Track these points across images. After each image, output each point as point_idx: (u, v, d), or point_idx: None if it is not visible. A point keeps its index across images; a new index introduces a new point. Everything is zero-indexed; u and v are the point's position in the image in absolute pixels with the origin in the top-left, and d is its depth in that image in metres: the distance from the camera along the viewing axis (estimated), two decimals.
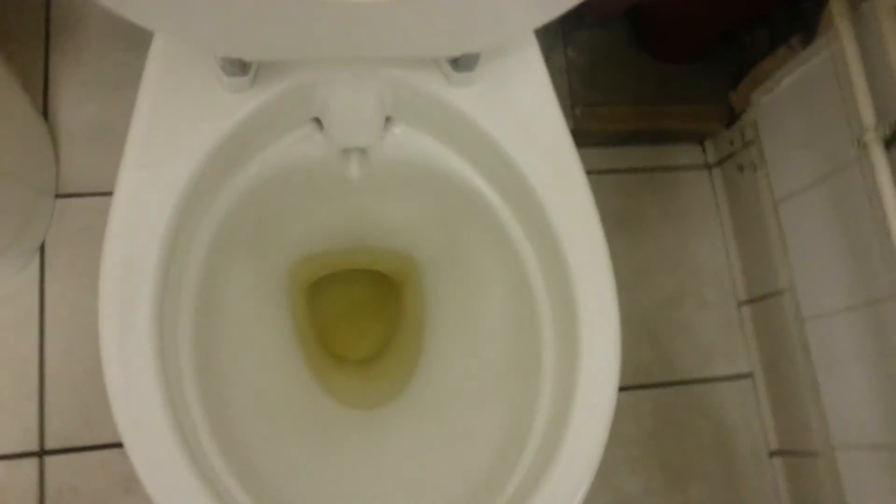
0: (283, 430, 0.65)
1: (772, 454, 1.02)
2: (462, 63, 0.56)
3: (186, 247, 0.59)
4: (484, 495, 0.57)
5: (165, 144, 0.55)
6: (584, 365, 0.56)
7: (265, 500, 0.55)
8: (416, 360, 0.75)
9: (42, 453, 0.90)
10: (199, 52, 0.57)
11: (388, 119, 0.64)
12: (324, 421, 0.71)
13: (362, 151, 0.66)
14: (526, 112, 0.59)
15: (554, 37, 1.03)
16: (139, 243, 0.53)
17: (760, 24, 1.01)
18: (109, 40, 1.03)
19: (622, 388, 1.01)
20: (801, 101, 0.91)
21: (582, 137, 1.05)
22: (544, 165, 0.58)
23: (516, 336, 0.66)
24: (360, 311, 0.79)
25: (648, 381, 1.04)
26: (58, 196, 0.97)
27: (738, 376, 1.06)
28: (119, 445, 0.90)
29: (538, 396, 0.60)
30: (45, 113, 1.00)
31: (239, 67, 0.54)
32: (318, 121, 0.63)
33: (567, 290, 0.58)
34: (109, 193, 0.96)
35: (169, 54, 0.57)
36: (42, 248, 0.96)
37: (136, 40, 1.04)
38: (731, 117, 1.06)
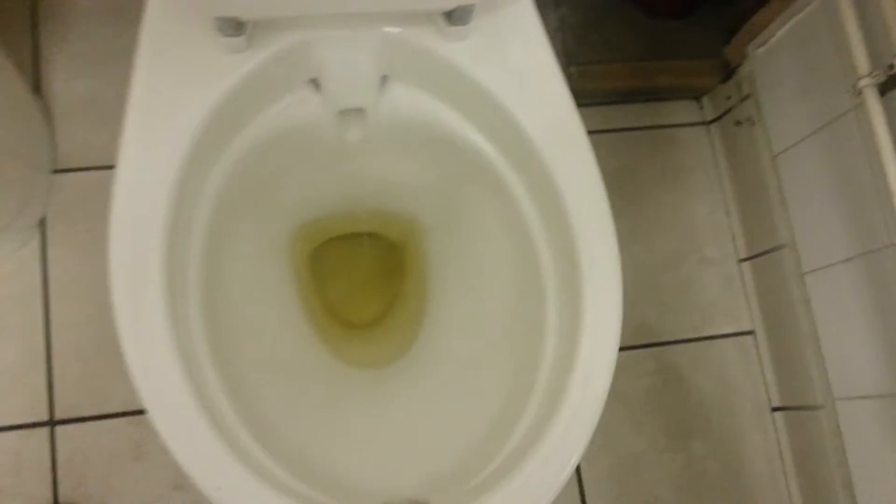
0: (292, 388, 0.66)
1: (774, 410, 1.03)
2: (456, 16, 0.56)
3: (190, 211, 0.59)
4: (491, 445, 0.58)
5: (165, 109, 0.55)
6: (587, 316, 0.57)
7: (278, 454, 0.56)
8: (421, 320, 0.75)
9: (52, 423, 0.91)
10: (193, 14, 0.56)
11: (384, 78, 0.64)
12: (331, 379, 0.72)
13: (360, 112, 0.66)
14: (521, 64, 0.59)
15: None
16: (145, 209, 0.54)
17: None
18: (98, 13, 1.03)
19: (624, 348, 1.03)
20: (796, 52, 0.90)
21: (578, 97, 1.04)
22: (542, 117, 0.59)
23: (519, 291, 0.67)
24: (363, 274, 0.79)
25: (650, 340, 1.05)
26: (55, 171, 0.97)
27: (740, 333, 1.06)
28: (127, 414, 0.92)
29: (542, 348, 0.61)
30: (38, 90, 0.99)
31: (234, 27, 0.54)
32: (314, 82, 0.63)
33: (569, 242, 0.58)
34: (107, 167, 0.98)
35: (163, 19, 0.57)
36: (42, 223, 0.96)
37: (125, 11, 1.03)
38: (727, 72, 1.05)
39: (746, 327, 1.07)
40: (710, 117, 1.13)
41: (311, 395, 0.68)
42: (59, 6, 1.02)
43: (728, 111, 1.07)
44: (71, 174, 0.98)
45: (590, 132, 1.15)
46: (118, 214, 0.54)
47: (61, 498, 0.90)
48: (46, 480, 0.90)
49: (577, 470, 0.99)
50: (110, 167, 0.99)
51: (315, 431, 0.64)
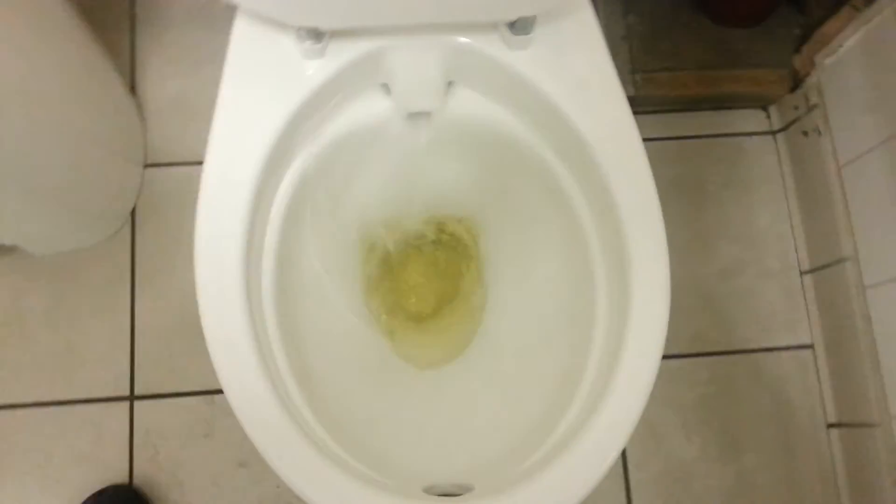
0: (351, 375, 0.70)
1: (829, 426, 1.01)
2: (519, 26, 0.59)
3: (269, 205, 0.64)
4: (536, 436, 0.61)
5: (250, 110, 0.61)
6: (634, 316, 0.58)
7: (335, 432, 0.60)
8: (476, 317, 0.78)
9: (132, 398, 0.99)
10: (278, 23, 0.61)
11: (450, 83, 0.67)
12: (388, 370, 0.76)
13: (426, 115, 0.70)
14: (581, 72, 0.62)
15: (614, 3, 1.04)
16: (228, 203, 0.59)
17: None
18: (190, 21, 1.11)
19: (679, 356, 1.03)
20: (865, 62, 0.89)
21: (643, 104, 1.06)
22: (600, 123, 0.61)
23: (572, 290, 0.69)
24: (423, 271, 0.82)
25: (706, 349, 1.04)
26: (146, 166, 1.05)
27: (799, 347, 1.05)
28: (200, 393, 0.99)
29: (590, 345, 0.63)
30: (133, 90, 1.08)
31: (314, 36, 0.59)
32: (385, 87, 0.68)
33: (620, 244, 0.60)
34: (192, 163, 1.06)
35: (251, 26, 0.62)
36: (133, 213, 1.04)
37: (214, 20, 1.11)
38: (795, 81, 1.04)
39: (806, 341, 1.05)
40: (776, 127, 1.11)
41: (368, 383, 0.72)
42: (155, 14, 1.10)
43: (795, 121, 1.06)
44: (160, 169, 1.06)
45: (654, 139, 1.17)
46: (205, 206, 0.59)
47: (136, 468, 0.97)
48: (124, 451, 0.97)
49: (625, 474, 1.00)
50: (196, 163, 1.08)
51: (369, 416, 0.68)
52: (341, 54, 0.62)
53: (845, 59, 0.93)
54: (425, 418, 0.70)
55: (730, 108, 1.12)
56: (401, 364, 0.77)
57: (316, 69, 0.62)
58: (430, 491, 0.59)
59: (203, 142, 1.06)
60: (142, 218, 1.04)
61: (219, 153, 0.60)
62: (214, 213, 0.59)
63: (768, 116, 1.13)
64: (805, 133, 1.04)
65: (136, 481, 0.96)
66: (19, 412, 0.97)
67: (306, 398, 0.61)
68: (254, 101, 0.61)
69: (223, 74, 0.61)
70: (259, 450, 0.56)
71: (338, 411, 0.64)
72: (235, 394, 0.56)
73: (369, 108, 0.69)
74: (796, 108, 1.05)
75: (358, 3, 0.54)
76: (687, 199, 1.09)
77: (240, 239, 0.58)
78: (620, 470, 1.00)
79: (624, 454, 1.00)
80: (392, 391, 0.74)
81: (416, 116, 0.71)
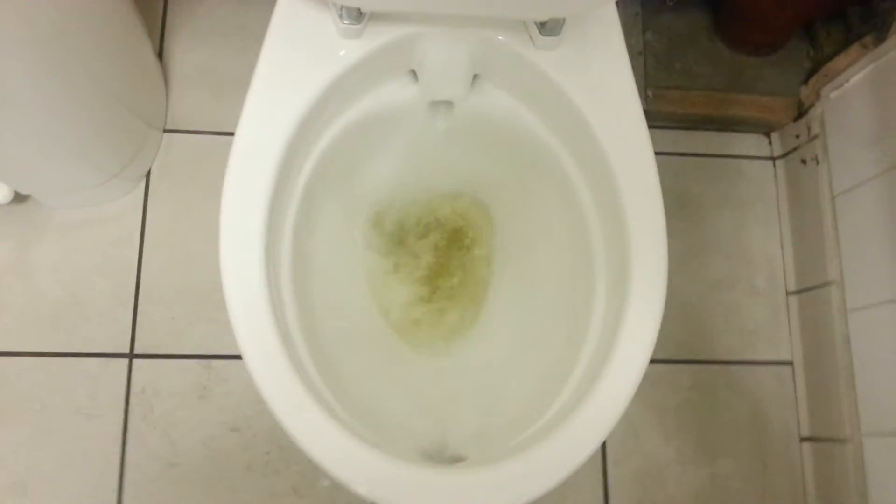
0: (359, 346, 0.73)
1: (802, 440, 1.06)
2: (549, 27, 0.63)
3: (294, 176, 0.67)
4: (530, 414, 0.64)
5: (285, 81, 0.64)
6: (630, 312, 0.62)
7: (339, 394, 0.63)
8: (482, 300, 0.81)
9: (131, 356, 1.01)
10: (321, 2, 0.64)
11: (475, 76, 0.71)
12: (390, 346, 0.79)
13: (449, 104, 0.73)
14: (602, 76, 0.65)
15: (634, 19, 1.08)
16: (258, 166, 0.61)
17: (836, 20, 1.04)
18: None
19: (664, 361, 1.07)
20: (868, 98, 0.93)
21: (652, 118, 1.08)
22: (614, 127, 0.64)
23: (573, 284, 0.73)
24: (431, 253, 0.85)
25: (690, 357, 1.08)
26: (165, 130, 1.08)
27: (779, 363, 1.09)
28: (198, 357, 1.01)
29: (586, 338, 0.66)
30: (161, 55, 1.10)
31: (354, 17, 0.62)
32: (412, 73, 0.71)
33: (623, 244, 0.64)
34: (211, 132, 1.09)
35: (295, 3, 0.65)
36: (147, 176, 1.06)
37: None
38: (800, 111, 1.09)
39: (786, 357, 1.09)
40: (777, 153, 1.16)
41: (372, 355, 0.75)
42: None
43: (796, 149, 1.10)
44: (178, 135, 1.08)
45: (659, 153, 1.20)
46: (234, 171, 0.61)
47: (130, 424, 0.99)
48: (119, 407, 0.99)
49: (604, 469, 1.03)
50: (214, 133, 1.10)
51: (373, 385, 0.71)
52: (376, 37, 0.65)
53: (850, 93, 0.98)
54: (424, 392, 0.73)
55: (734, 130, 1.17)
56: (403, 341, 0.80)
57: (351, 49, 0.65)
58: (427, 456, 0.62)
59: (223, 113, 1.10)
60: (156, 181, 1.06)
61: (252, 121, 0.63)
62: (242, 178, 0.61)
63: (770, 142, 1.17)
64: (804, 161, 1.08)
65: (128, 437, 0.98)
66: (20, 360, 0.99)
67: (315, 363, 0.64)
68: (289, 75, 0.64)
69: (263, 45, 0.64)
70: (267, 403, 0.58)
71: (343, 379, 0.67)
72: (252, 353, 0.59)
73: (395, 92, 0.72)
74: (798, 136, 1.10)
75: None
76: (684, 213, 1.13)
77: (264, 205, 0.61)
78: (600, 465, 1.03)
79: (604, 451, 1.04)
80: (394, 365, 0.77)
81: (437, 105, 0.74)
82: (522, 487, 0.57)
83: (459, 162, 0.81)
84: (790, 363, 1.09)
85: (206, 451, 0.99)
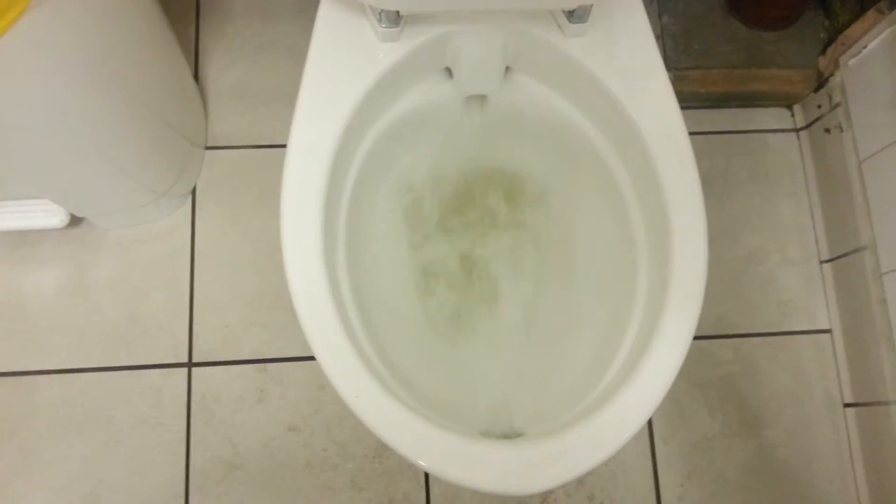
0: (413, 332, 0.76)
1: (846, 406, 1.07)
2: (577, 15, 0.66)
3: (343, 175, 0.71)
4: (581, 389, 0.67)
5: (331, 88, 0.67)
6: (672, 293, 0.64)
7: (401, 381, 0.66)
8: (526, 289, 0.84)
9: (190, 364, 1.05)
10: (359, 8, 0.68)
11: (507, 69, 0.74)
12: (444, 328, 0.83)
13: (484, 98, 0.76)
14: (632, 60, 0.68)
15: (650, 4, 1.11)
16: (312, 170, 0.65)
17: None
18: (250, 13, 1.18)
19: (704, 337, 1.09)
20: (887, 63, 0.95)
21: None
22: (648, 109, 0.67)
23: (615, 267, 0.75)
24: (474, 241, 0.88)
25: (729, 331, 1.10)
26: (207, 147, 1.13)
27: (817, 331, 1.11)
28: (254, 361, 1.05)
29: (630, 317, 0.69)
30: (196, 76, 1.15)
31: (392, 20, 0.66)
32: (447, 71, 0.74)
33: (663, 225, 0.66)
34: (250, 146, 1.13)
35: (334, 12, 0.69)
36: (193, 192, 1.11)
37: (272, 13, 1.18)
38: (820, 81, 1.11)
39: (824, 326, 1.11)
40: (800, 124, 1.18)
41: (427, 338, 0.79)
42: (219, 6, 1.18)
43: (818, 119, 1.12)
44: (219, 151, 1.13)
45: None
46: (290, 175, 0.65)
47: (193, 430, 1.03)
48: (181, 414, 1.03)
49: (652, 447, 1.05)
50: (252, 146, 1.15)
51: (430, 367, 0.74)
52: (413, 38, 0.68)
53: (868, 59, 1.00)
54: (478, 375, 0.76)
55: (756, 105, 1.19)
56: (452, 328, 0.83)
57: (389, 52, 0.68)
58: (486, 435, 0.65)
59: (259, 127, 1.15)
60: (202, 197, 1.11)
61: (303, 127, 0.67)
62: (299, 181, 0.65)
63: (792, 114, 1.19)
64: (827, 130, 1.10)
65: (191, 443, 1.02)
66: (84, 376, 1.04)
67: (376, 351, 0.67)
68: (334, 82, 0.68)
69: (308, 55, 0.68)
70: (338, 390, 0.61)
71: (400, 360, 0.70)
72: (317, 341, 0.62)
73: (431, 90, 0.75)
74: (819, 106, 1.11)
75: None
76: (714, 190, 1.16)
77: (320, 205, 0.65)
78: (647, 443, 1.05)
79: (651, 429, 1.06)
80: (446, 351, 0.80)
81: (472, 99, 0.77)
82: (579, 458, 0.60)
83: (497, 152, 0.85)
84: (829, 331, 1.10)
85: (266, 452, 1.03)
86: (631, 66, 0.68)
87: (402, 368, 0.69)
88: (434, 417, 0.63)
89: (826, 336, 1.11)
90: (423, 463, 0.58)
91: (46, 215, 0.99)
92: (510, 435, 0.66)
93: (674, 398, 1.07)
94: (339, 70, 0.68)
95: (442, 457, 0.59)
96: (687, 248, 0.65)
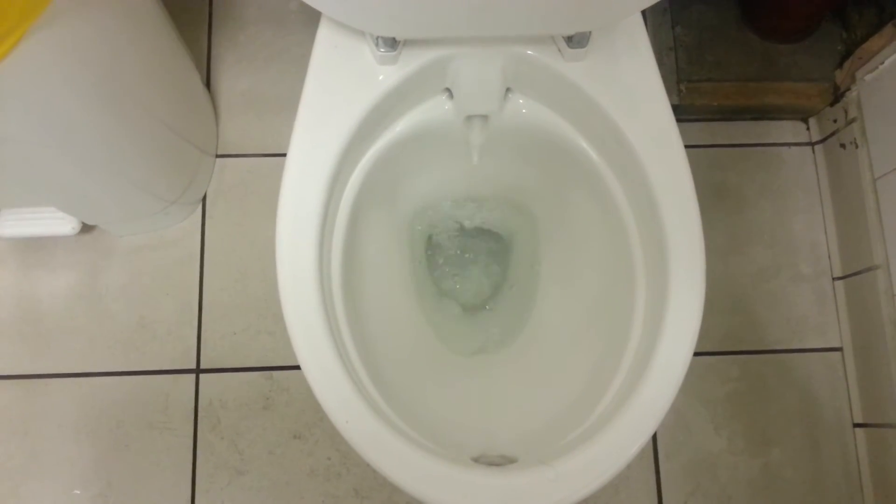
0: (406, 354, 0.77)
1: (855, 426, 1.05)
2: (576, 40, 0.65)
3: (340, 195, 0.71)
4: (577, 414, 0.67)
5: (328, 110, 0.67)
6: (671, 311, 0.63)
7: (394, 404, 0.66)
8: (525, 310, 0.84)
9: (198, 371, 1.07)
10: (358, 32, 0.68)
11: (508, 90, 0.73)
12: (438, 352, 0.83)
13: (484, 118, 0.76)
14: (632, 85, 0.67)
15: (663, 15, 1.09)
16: (307, 193, 0.65)
17: (868, 1, 1.03)
18: (262, 22, 1.19)
19: (711, 353, 1.08)
20: None
21: (687, 112, 1.11)
22: (646, 131, 0.66)
23: (613, 283, 0.75)
24: (473, 261, 0.89)
25: (737, 347, 1.09)
26: (217, 156, 1.14)
27: (828, 349, 1.09)
28: (260, 369, 1.07)
29: (629, 335, 0.68)
30: (208, 84, 1.16)
31: (390, 44, 0.66)
32: (448, 91, 0.74)
33: (660, 244, 0.65)
34: (260, 154, 1.14)
35: (333, 34, 0.69)
36: (203, 199, 1.12)
37: (284, 22, 1.18)
38: (836, 95, 1.08)
39: (835, 344, 1.09)
40: (815, 138, 1.15)
41: (420, 361, 0.79)
42: (231, 15, 1.19)
43: (833, 133, 1.10)
44: (229, 159, 1.14)
45: (697, 146, 1.22)
46: (286, 196, 0.65)
47: (199, 436, 1.04)
48: (189, 420, 1.05)
49: (656, 462, 1.05)
50: (262, 155, 1.16)
51: (422, 390, 0.74)
52: (411, 61, 0.68)
53: (885, 75, 0.97)
54: (473, 395, 0.76)
55: (771, 118, 1.16)
56: (449, 349, 0.84)
57: (388, 74, 0.68)
58: (477, 461, 0.65)
59: (269, 135, 1.16)
60: (212, 204, 1.12)
61: (301, 146, 0.67)
62: (296, 197, 0.65)
63: (808, 128, 1.17)
64: (843, 145, 1.07)
65: (198, 448, 1.04)
66: (95, 380, 1.06)
67: (368, 372, 0.67)
68: (332, 103, 0.68)
69: (307, 76, 0.68)
70: (328, 414, 0.62)
71: (393, 384, 0.70)
72: (309, 364, 0.63)
73: (432, 110, 0.75)
74: (835, 121, 1.09)
75: (433, 18, 0.60)
76: (726, 203, 1.14)
77: (316, 221, 0.65)
78: (651, 459, 1.05)
79: (655, 444, 1.05)
80: (442, 370, 0.80)
81: (473, 119, 0.77)
82: (576, 484, 0.59)
83: (497, 172, 0.84)
84: (839, 349, 1.09)
85: (271, 459, 1.04)
86: (631, 92, 0.67)
87: (394, 391, 0.69)
88: (425, 443, 0.63)
89: (837, 354, 1.09)
90: (413, 491, 0.59)
91: (59, 223, 1.01)
92: (502, 461, 0.66)
93: (679, 415, 1.06)
94: (338, 92, 0.68)
95: (433, 485, 0.59)
96: (684, 269, 0.64)
